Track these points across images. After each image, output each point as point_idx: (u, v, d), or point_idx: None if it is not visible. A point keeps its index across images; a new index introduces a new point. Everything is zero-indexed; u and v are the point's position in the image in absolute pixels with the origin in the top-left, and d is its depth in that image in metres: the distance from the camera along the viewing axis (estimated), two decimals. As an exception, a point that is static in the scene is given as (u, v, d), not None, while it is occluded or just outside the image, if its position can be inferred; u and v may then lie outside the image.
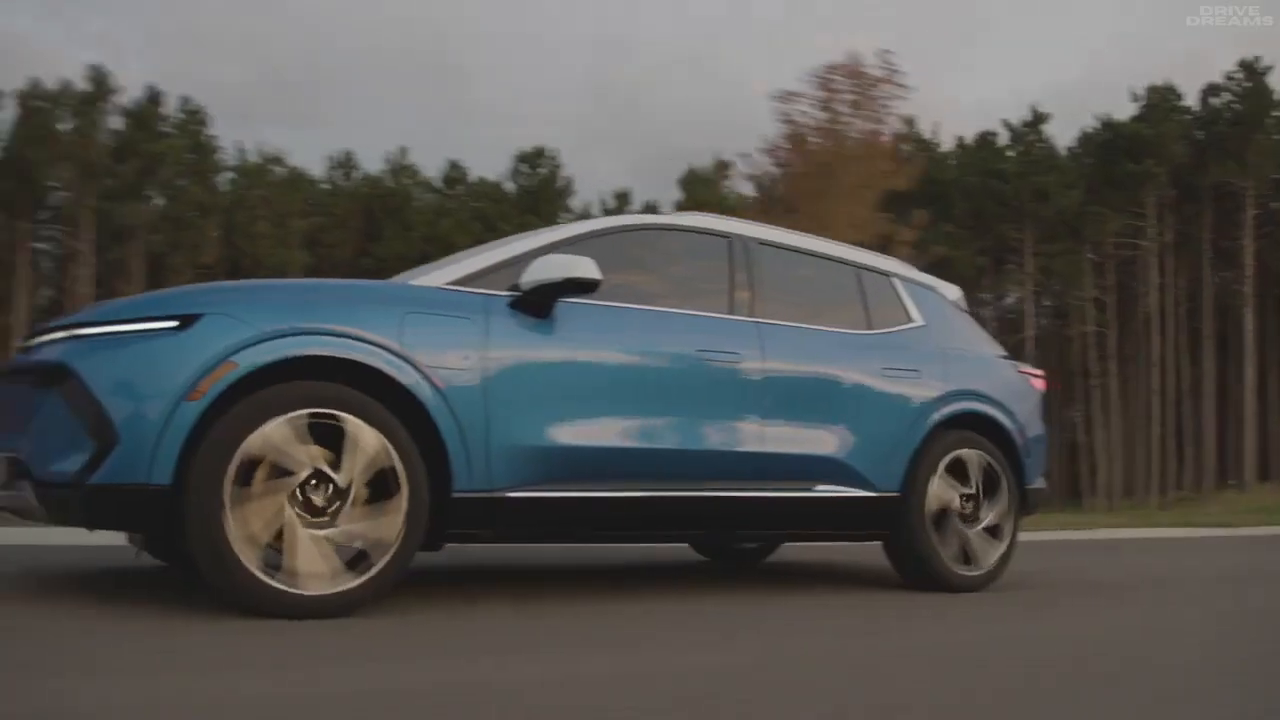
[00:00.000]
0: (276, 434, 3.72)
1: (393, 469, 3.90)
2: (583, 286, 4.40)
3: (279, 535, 3.71)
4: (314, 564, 3.75)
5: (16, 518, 4.29)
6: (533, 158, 55.25)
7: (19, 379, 4.01)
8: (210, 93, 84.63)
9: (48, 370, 3.77)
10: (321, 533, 3.79)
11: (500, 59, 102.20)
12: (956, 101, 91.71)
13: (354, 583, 3.82)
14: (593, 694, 2.81)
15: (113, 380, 3.64)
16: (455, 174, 55.43)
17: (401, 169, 55.43)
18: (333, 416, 3.82)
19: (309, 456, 3.78)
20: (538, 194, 54.60)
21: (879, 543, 5.74)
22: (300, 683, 2.77)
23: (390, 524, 3.90)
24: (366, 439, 3.86)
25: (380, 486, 3.90)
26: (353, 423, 3.84)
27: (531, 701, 2.69)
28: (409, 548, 3.96)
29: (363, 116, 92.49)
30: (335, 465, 3.82)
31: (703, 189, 52.55)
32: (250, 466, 3.67)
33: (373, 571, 3.85)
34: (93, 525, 3.86)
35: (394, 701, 2.60)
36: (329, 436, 3.82)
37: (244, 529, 3.63)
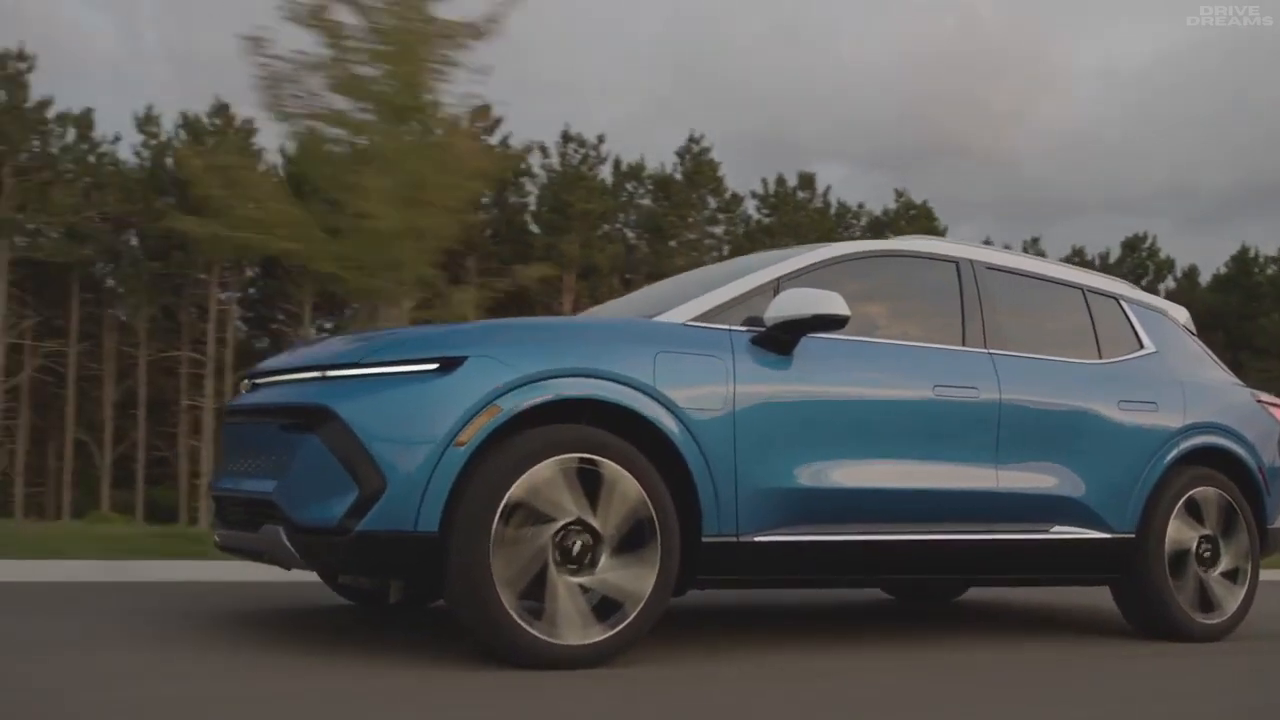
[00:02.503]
0: (543, 478, 4.06)
1: (650, 519, 4.22)
2: (831, 323, 4.69)
3: (536, 581, 4.05)
4: (569, 612, 4.09)
5: (244, 559, 4.70)
6: (1136, 243, 61.12)
7: (261, 419, 4.40)
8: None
9: (305, 412, 4.13)
10: (577, 579, 4.12)
11: (558, 26, 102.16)
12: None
13: (607, 634, 4.14)
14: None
15: (378, 424, 3.98)
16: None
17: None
18: (593, 462, 4.16)
19: (573, 502, 4.12)
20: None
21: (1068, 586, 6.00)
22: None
23: (644, 575, 4.22)
24: (626, 487, 4.18)
25: (636, 535, 4.22)
26: (612, 469, 4.17)
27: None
28: (660, 600, 4.27)
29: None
30: (592, 511, 4.17)
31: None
32: (512, 510, 4.01)
33: (624, 624, 4.17)
34: (354, 572, 4.23)
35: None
36: (588, 482, 4.16)
37: (504, 573, 3.97)
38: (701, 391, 4.47)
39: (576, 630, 4.10)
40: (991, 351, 5.44)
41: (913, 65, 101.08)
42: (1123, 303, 6.29)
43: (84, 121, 45.44)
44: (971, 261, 5.69)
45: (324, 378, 4.19)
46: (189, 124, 46.05)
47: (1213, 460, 6.06)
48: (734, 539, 4.49)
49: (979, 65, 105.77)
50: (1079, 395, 5.65)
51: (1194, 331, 6.70)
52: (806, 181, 56.56)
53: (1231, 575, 5.99)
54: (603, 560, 4.16)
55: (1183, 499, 5.82)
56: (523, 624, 3.97)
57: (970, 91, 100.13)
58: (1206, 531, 5.91)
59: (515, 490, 4.00)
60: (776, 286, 4.92)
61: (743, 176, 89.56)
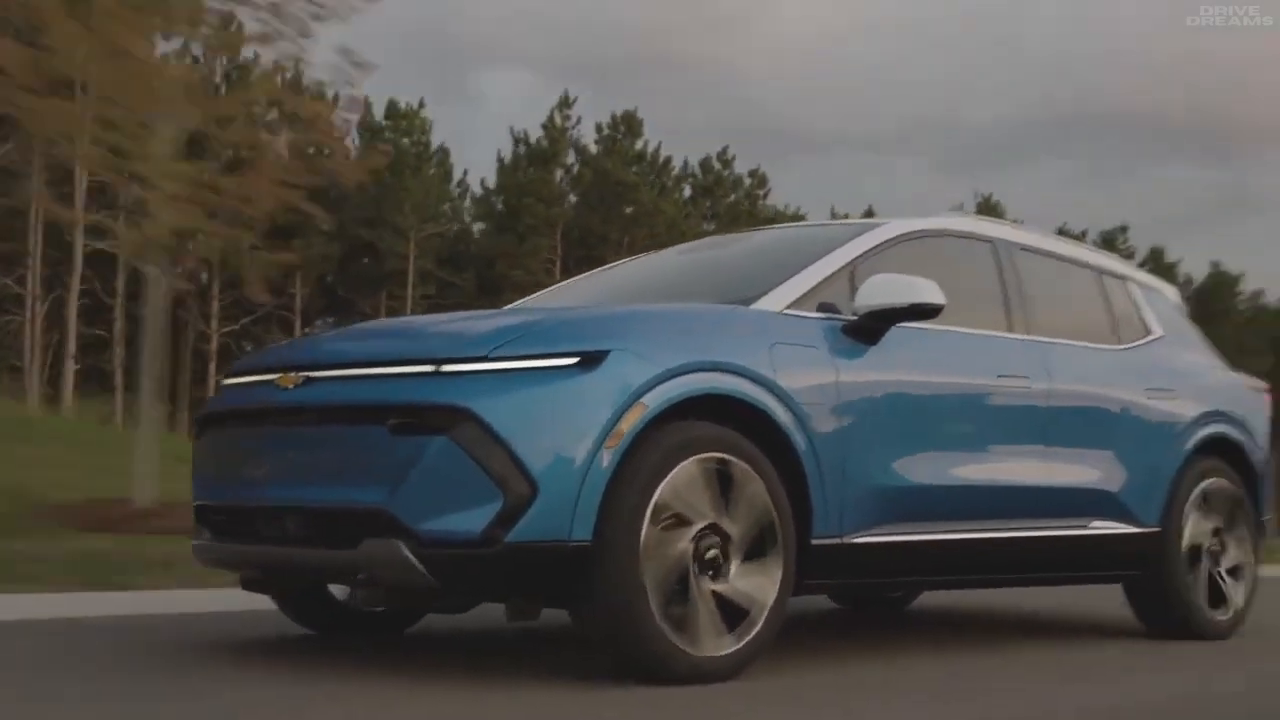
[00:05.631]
0: (685, 479, 4.42)
1: (773, 524, 4.63)
2: (927, 312, 5.18)
3: (679, 589, 4.41)
4: (707, 622, 4.47)
5: (358, 585, 4.70)
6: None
7: (348, 418, 4.52)
8: None
9: (429, 412, 4.28)
10: (713, 586, 4.50)
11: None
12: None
13: (740, 643, 4.54)
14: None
15: (522, 425, 4.22)
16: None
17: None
18: (725, 463, 4.55)
19: (710, 505, 4.50)
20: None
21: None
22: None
23: (768, 582, 4.64)
24: (756, 491, 4.58)
25: (760, 542, 4.62)
26: (742, 470, 4.55)
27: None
28: (782, 605, 4.69)
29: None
30: (726, 514, 4.54)
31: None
32: (658, 514, 4.35)
33: (754, 631, 4.58)
34: (498, 589, 4.43)
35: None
36: (721, 483, 4.54)
37: (652, 581, 4.32)
38: (811, 385, 4.88)
39: (712, 640, 4.48)
40: (1036, 339, 6.09)
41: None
42: (1130, 284, 7.05)
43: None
44: (1007, 242, 6.32)
45: (438, 373, 4.41)
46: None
47: (1221, 450, 6.87)
48: (838, 540, 4.99)
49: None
50: (1112, 384, 6.34)
51: (1185, 312, 7.59)
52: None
53: (1236, 569, 6.84)
54: (734, 567, 4.57)
55: (1197, 489, 6.60)
56: (671, 637, 4.35)
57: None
58: (1217, 524, 6.73)
59: (665, 487, 4.36)
60: (852, 270, 5.43)
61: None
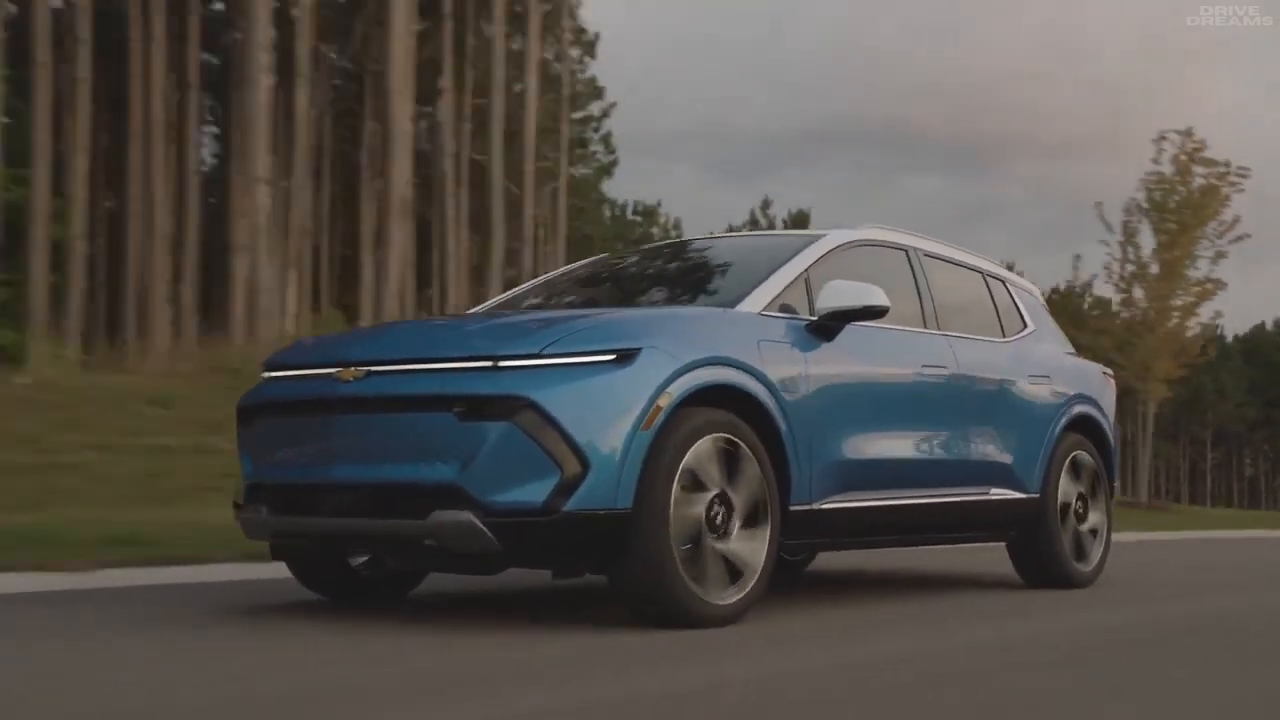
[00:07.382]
0: (704, 452, 5.36)
1: (764, 501, 5.61)
2: (876, 313, 6.21)
3: (695, 546, 5.35)
4: (716, 575, 5.44)
5: (422, 552, 5.51)
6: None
7: (416, 408, 5.28)
8: None
9: (495, 402, 5.11)
10: (719, 545, 5.46)
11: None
12: None
13: (738, 596, 5.52)
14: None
15: (575, 412, 5.09)
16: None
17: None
18: (730, 442, 5.51)
19: (720, 476, 5.46)
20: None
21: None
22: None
23: (759, 548, 5.61)
24: (753, 470, 5.55)
25: (755, 513, 5.60)
26: (744, 450, 5.54)
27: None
28: (770, 568, 5.69)
29: None
30: (730, 485, 5.49)
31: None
32: (683, 482, 5.28)
33: (749, 588, 5.56)
34: (556, 554, 5.26)
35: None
36: (728, 460, 5.50)
37: (676, 539, 5.23)
38: (789, 376, 5.88)
39: (718, 591, 5.43)
40: (944, 333, 7.19)
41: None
42: (1008, 285, 8.26)
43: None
44: (916, 249, 7.42)
45: (496, 367, 5.22)
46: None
47: (1084, 427, 8.15)
48: (808, 507, 5.98)
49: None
50: (1002, 371, 7.51)
51: (1047, 309, 8.79)
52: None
53: (1095, 528, 8.12)
54: (735, 531, 5.53)
55: (1066, 460, 7.84)
56: (693, 588, 5.29)
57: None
58: (1082, 490, 7.98)
59: (686, 463, 5.29)
60: (807, 277, 6.41)
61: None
